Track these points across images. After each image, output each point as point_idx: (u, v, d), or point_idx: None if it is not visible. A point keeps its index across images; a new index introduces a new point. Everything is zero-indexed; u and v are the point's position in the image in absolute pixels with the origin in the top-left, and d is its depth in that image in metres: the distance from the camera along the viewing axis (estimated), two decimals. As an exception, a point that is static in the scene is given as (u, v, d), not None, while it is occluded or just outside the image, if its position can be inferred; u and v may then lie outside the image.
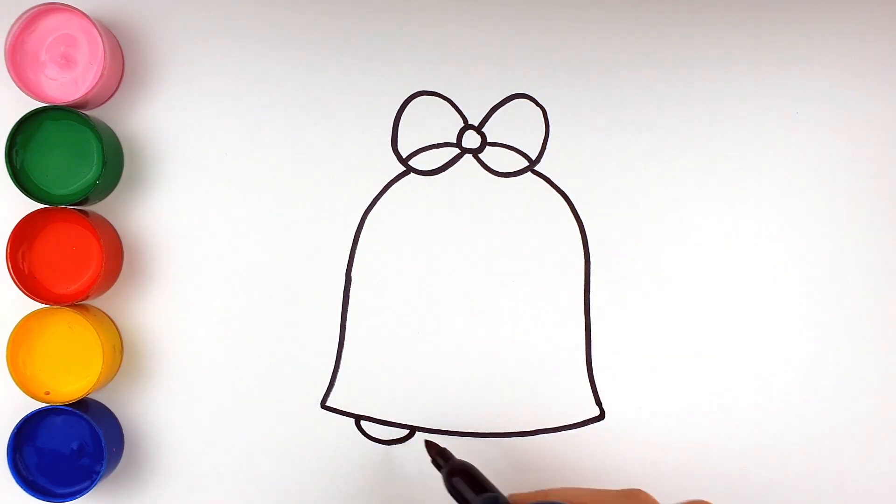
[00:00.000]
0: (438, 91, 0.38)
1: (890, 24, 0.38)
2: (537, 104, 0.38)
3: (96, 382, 0.36)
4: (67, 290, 0.36)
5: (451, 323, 0.38)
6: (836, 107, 0.38)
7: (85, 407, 0.36)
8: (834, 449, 0.38)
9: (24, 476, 0.36)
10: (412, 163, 0.38)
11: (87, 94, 0.35)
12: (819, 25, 0.38)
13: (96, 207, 0.38)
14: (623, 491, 0.30)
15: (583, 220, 0.38)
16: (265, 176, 0.38)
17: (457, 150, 0.38)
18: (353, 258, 0.38)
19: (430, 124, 0.38)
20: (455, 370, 0.38)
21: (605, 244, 0.38)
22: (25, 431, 0.36)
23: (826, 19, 0.38)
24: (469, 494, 0.33)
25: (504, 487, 0.38)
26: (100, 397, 0.38)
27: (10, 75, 0.35)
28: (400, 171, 0.38)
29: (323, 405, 0.38)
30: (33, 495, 0.36)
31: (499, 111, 0.38)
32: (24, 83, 0.35)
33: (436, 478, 0.38)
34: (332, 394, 0.38)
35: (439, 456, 0.35)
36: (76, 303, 0.36)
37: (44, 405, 0.36)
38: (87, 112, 0.36)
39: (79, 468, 0.36)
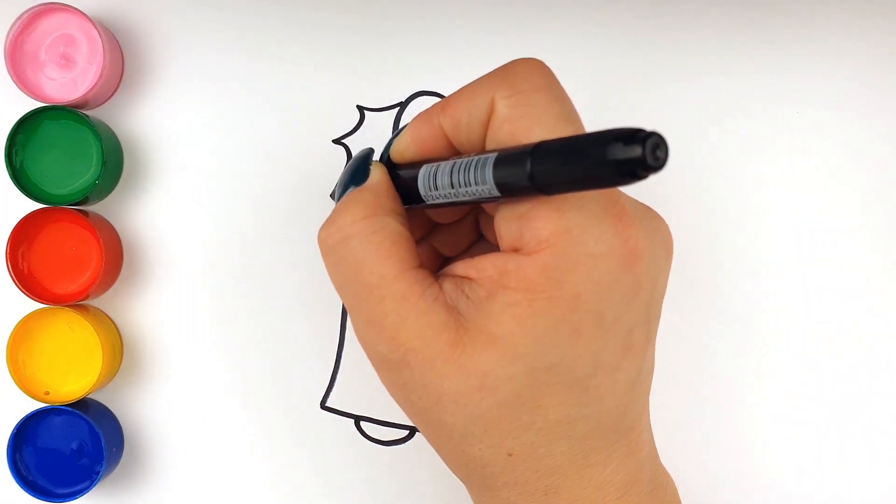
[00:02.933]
0: (438, 91, 0.38)
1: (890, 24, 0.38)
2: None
3: (96, 382, 0.36)
4: (67, 290, 0.36)
5: (451, 323, 0.38)
6: (838, 109, 0.38)
7: (85, 407, 0.36)
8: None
9: (24, 476, 0.36)
10: (412, 163, 0.38)
11: (86, 94, 0.35)
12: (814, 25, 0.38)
13: (96, 207, 0.38)
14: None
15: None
16: (266, 176, 0.38)
17: (457, 150, 0.38)
18: (353, 258, 0.38)
19: (430, 124, 0.38)
20: (455, 370, 0.38)
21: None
22: (25, 431, 0.36)
23: (826, 19, 0.38)
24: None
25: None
26: (100, 397, 0.38)
27: (10, 75, 0.35)
28: (400, 171, 0.38)
29: (323, 405, 0.38)
30: (33, 495, 0.36)
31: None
32: (24, 83, 0.35)
33: (435, 478, 0.38)
34: (331, 394, 0.38)
35: None
36: (76, 303, 0.36)
37: (44, 405, 0.36)
38: (86, 112, 0.36)
39: (79, 468, 0.36)
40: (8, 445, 0.36)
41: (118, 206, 0.38)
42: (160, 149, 0.38)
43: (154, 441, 0.38)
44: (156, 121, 0.38)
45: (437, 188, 0.26)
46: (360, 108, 0.38)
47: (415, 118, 0.27)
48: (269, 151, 0.38)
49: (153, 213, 0.38)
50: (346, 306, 0.27)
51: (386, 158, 0.29)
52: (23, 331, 0.36)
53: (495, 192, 0.24)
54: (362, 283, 0.26)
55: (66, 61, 0.36)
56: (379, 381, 0.38)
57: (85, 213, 0.36)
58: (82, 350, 0.36)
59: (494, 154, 0.24)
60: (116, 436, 0.37)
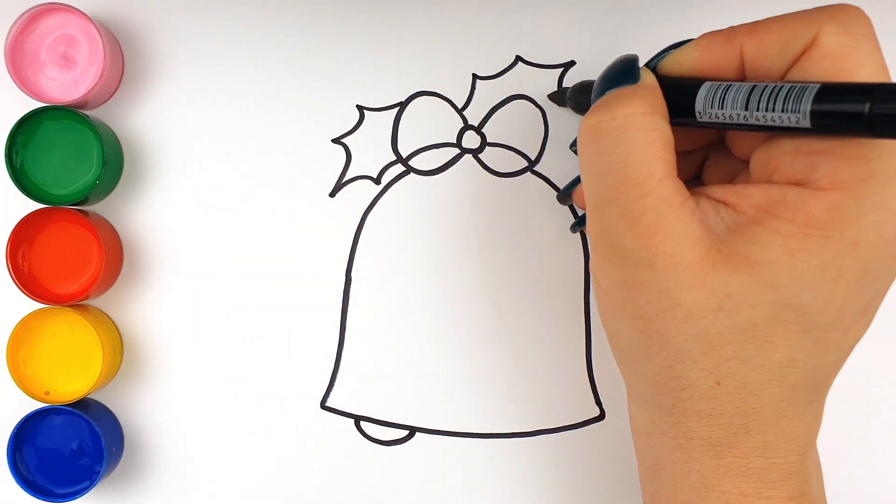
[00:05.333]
0: (438, 91, 0.38)
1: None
2: (536, 105, 0.38)
3: (96, 382, 0.36)
4: (67, 290, 0.36)
5: (451, 322, 0.38)
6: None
7: (85, 407, 0.37)
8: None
9: (24, 476, 0.36)
10: (412, 163, 0.38)
11: (87, 94, 0.35)
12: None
13: (96, 207, 0.38)
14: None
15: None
16: (266, 176, 0.38)
17: (457, 150, 0.38)
18: (353, 258, 0.38)
19: (430, 124, 0.38)
20: (455, 370, 0.38)
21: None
22: (25, 431, 0.36)
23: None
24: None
25: (504, 487, 0.38)
26: (100, 397, 0.38)
27: (10, 75, 0.35)
28: (400, 172, 0.38)
29: (323, 405, 0.38)
30: (33, 495, 0.36)
31: (498, 112, 0.38)
32: (24, 83, 0.35)
33: (435, 478, 0.38)
34: (332, 394, 0.38)
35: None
36: (76, 303, 0.36)
37: (44, 405, 0.36)
38: (86, 112, 0.36)
39: (79, 468, 0.36)
40: (8, 445, 0.36)
41: (118, 206, 0.38)
42: (160, 149, 0.38)
43: (154, 441, 0.38)
44: (156, 121, 0.38)
45: (722, 107, 0.25)
46: (360, 108, 0.38)
47: (708, 35, 0.27)
48: (268, 151, 0.38)
49: (153, 213, 0.38)
50: (593, 195, 0.26)
51: (653, 67, 0.28)
52: (23, 331, 0.36)
53: (804, 123, 0.23)
54: (626, 175, 0.25)
55: (67, 61, 0.36)
56: (379, 381, 0.38)
57: (85, 213, 0.36)
58: (82, 350, 0.36)
59: (817, 85, 0.23)
60: (116, 436, 0.37)
